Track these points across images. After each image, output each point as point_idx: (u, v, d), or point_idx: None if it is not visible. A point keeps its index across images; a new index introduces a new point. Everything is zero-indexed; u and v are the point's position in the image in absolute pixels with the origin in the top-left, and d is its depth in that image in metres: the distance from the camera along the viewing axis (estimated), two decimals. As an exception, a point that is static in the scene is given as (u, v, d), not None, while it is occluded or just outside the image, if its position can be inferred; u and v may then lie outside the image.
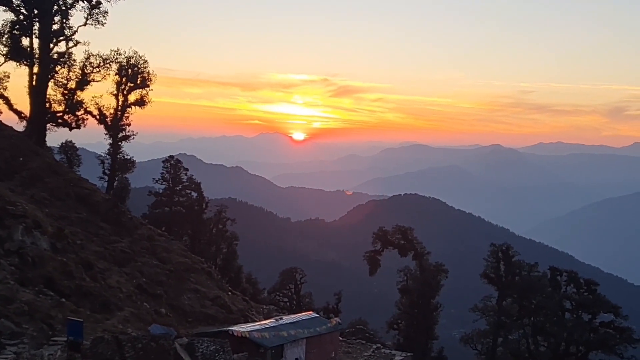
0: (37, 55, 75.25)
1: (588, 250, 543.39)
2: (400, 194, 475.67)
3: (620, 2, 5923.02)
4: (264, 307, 74.60)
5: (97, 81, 79.79)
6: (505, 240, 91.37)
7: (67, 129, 79.54)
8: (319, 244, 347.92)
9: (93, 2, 77.45)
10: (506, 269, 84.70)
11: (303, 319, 56.64)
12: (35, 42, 75.39)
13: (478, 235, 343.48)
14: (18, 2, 74.33)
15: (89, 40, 79.32)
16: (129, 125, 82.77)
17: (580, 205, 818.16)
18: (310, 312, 65.89)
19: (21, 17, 74.58)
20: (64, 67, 77.51)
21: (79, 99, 78.97)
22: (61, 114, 78.17)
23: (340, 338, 63.30)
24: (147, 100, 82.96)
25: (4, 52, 74.28)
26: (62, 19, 76.25)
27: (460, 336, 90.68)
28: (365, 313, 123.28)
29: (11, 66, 75.31)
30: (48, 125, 77.84)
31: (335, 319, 63.28)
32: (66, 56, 77.46)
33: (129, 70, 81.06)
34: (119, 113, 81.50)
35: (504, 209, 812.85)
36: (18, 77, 77.16)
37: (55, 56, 76.64)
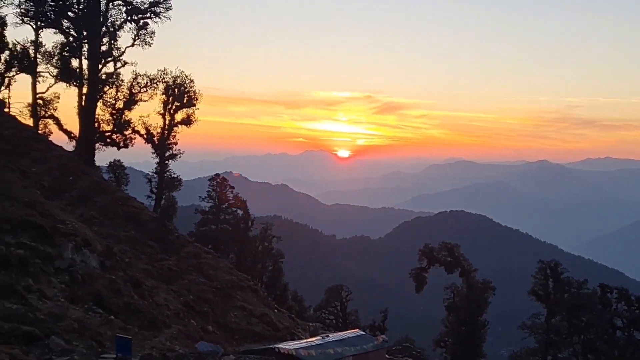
0: (86, 76, 76.77)
1: (639, 267, 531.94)
2: (446, 211, 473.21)
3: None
4: (310, 324, 74.42)
5: (144, 101, 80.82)
6: (553, 257, 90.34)
7: (115, 148, 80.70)
8: (365, 262, 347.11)
9: (140, 24, 78.87)
10: (555, 286, 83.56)
11: (349, 337, 56.24)
12: (85, 63, 77.17)
13: (525, 252, 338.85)
14: (68, 24, 76.18)
15: (137, 60, 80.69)
16: (175, 144, 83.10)
17: (631, 221, 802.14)
18: (357, 329, 65.47)
19: (71, 39, 76.42)
20: (112, 88, 78.90)
21: (127, 119, 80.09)
22: (109, 133, 79.38)
23: (387, 356, 62.74)
24: (193, 119, 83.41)
25: (55, 74, 76.08)
26: (110, 40, 77.76)
27: (508, 354, 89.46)
28: (411, 331, 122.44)
29: (61, 87, 77.20)
30: (97, 145, 79.08)
31: (382, 336, 62.81)
32: (114, 76, 78.92)
33: (176, 90, 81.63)
34: (166, 132, 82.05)
35: (551, 225, 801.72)
36: (68, 98, 78.93)
37: (103, 77, 78.10)
